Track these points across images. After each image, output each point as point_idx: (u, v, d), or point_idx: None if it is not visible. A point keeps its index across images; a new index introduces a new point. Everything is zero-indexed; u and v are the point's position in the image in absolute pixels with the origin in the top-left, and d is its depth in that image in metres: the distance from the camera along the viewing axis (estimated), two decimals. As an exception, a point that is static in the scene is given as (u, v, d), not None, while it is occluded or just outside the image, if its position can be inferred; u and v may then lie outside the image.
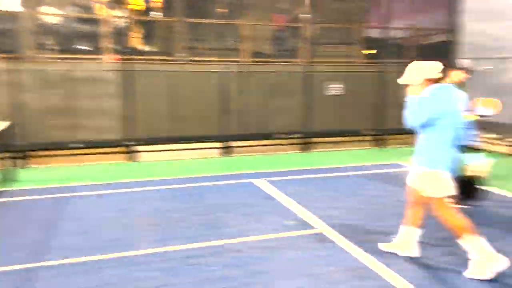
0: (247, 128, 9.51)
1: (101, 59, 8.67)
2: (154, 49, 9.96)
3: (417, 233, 3.90)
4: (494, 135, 9.25)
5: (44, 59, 8.35)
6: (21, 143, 7.80)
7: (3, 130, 6.65)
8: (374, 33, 11.65)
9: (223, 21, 9.17)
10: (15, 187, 6.40)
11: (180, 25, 9.59)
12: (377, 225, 4.76)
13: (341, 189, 6.31)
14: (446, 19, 10.76)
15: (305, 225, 4.78)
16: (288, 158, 8.97)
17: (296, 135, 9.62)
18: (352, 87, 10.01)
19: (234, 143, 9.20)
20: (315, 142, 9.78)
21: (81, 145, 8.13)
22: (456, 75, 5.30)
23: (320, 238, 4.41)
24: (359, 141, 10.04)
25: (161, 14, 10.15)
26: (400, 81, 3.75)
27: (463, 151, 4.32)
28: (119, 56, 8.60)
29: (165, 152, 8.69)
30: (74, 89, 8.14)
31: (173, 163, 8.34)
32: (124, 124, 8.46)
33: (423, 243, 4.04)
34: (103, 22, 8.70)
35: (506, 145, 9.03)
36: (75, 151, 8.13)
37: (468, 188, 5.24)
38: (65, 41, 9.00)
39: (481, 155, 5.24)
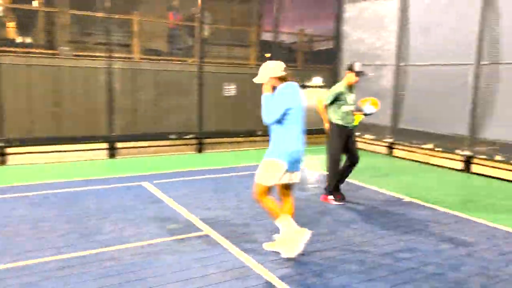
0: (138, 128, 9.11)
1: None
2: (31, 41, 9.04)
3: (295, 228, 4.00)
4: (372, 136, 10.07)
5: None
6: None
7: None
8: (270, 37, 11.95)
9: (111, 15, 8.63)
10: None
11: (64, 17, 8.88)
12: (261, 224, 4.81)
13: (230, 190, 6.30)
14: (332, 27, 11.44)
15: (191, 228, 4.66)
16: (181, 159, 8.77)
17: (190, 136, 9.46)
18: (247, 88, 10.15)
19: (123, 144, 8.74)
20: (210, 143, 9.72)
21: None
22: (349, 77, 5.63)
23: (205, 240, 4.32)
24: (255, 141, 10.23)
25: (43, 3, 9.27)
26: (254, 80, 3.99)
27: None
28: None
29: (43, 154, 7.92)
30: None
31: (53, 166, 7.64)
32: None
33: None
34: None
35: (383, 145, 9.88)
36: None
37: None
38: None
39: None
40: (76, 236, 4.33)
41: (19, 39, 8.80)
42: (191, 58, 10.01)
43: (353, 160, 5.75)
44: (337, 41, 11.25)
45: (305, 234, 3.88)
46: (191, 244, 4.22)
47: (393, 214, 5.36)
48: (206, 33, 10.46)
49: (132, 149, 8.82)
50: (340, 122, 5.60)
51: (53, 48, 8.72)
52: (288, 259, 3.90)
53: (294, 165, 3.88)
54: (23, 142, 7.81)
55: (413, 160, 9.09)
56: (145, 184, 6.43)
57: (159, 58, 10.01)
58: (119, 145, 8.66)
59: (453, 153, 8.34)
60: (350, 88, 5.70)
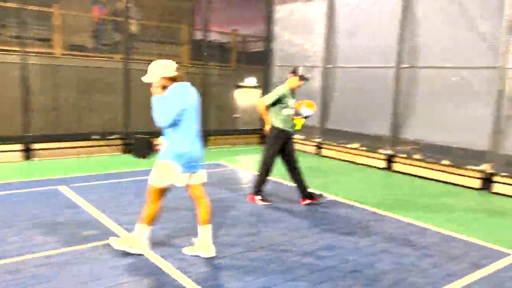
0: (59, 128, 8.55)
1: None
2: None
3: (201, 230, 3.93)
4: (302, 136, 10.24)
5: None
6: None
7: None
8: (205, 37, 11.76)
9: (26, 7, 8.00)
10: None
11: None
12: (182, 229, 4.65)
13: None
14: (264, 29, 11.51)
15: (108, 234, 4.39)
16: (103, 161, 8.33)
17: (114, 136, 9.02)
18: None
19: (41, 145, 8.14)
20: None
21: None
22: (292, 81, 5.59)
23: (121, 246, 4.08)
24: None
25: None
26: (143, 79, 3.78)
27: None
28: None
29: None
30: None
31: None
32: None
33: (216, 242, 4.09)
34: None
35: (312, 145, 10.08)
36: None
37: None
38: None
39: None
40: (-28, 248, 3.90)
41: None
42: (118, 54, 9.57)
43: (291, 163, 5.72)
44: (268, 42, 11.32)
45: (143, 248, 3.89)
46: (106, 251, 3.96)
47: (316, 213, 5.43)
48: (134, 28, 10.06)
49: (52, 151, 8.24)
50: (281, 126, 5.56)
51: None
52: (209, 264, 3.79)
53: (191, 166, 3.77)
54: None
55: (340, 160, 9.36)
56: (62, 188, 6.01)
57: (83, 54, 9.48)
58: (36, 146, 8.06)
59: (376, 152, 8.70)
60: (292, 92, 5.68)
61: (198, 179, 3.89)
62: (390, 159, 8.45)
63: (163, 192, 3.79)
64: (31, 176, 6.71)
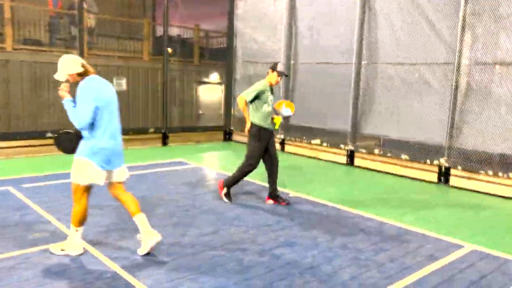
0: (10, 126, 8.15)
1: None
2: None
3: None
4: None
5: None
6: None
7: None
8: (171, 33, 11.50)
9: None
10: None
11: None
12: (136, 229, 4.49)
13: (106, 193, 5.83)
14: (226, 25, 11.39)
15: (58, 236, 4.19)
16: (57, 160, 7.94)
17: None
18: (138, 83, 9.64)
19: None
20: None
21: None
22: (272, 77, 5.48)
23: (72, 249, 3.89)
24: (146, 139, 9.73)
25: None
26: (55, 76, 3.60)
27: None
28: None
29: None
30: None
31: None
32: None
33: (174, 243, 3.97)
34: None
35: (275, 142, 10.05)
36: None
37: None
38: None
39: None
40: None
41: None
42: (75, 49, 9.21)
43: (273, 162, 5.62)
44: (231, 38, 11.21)
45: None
46: (55, 254, 3.77)
47: (277, 210, 5.40)
48: (92, 22, 9.71)
49: (3, 150, 7.84)
50: (262, 124, 5.44)
51: None
52: (163, 265, 3.67)
53: (110, 162, 3.66)
54: None
55: (303, 155, 9.39)
56: (11, 189, 5.71)
57: (38, 48, 9.06)
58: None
59: (338, 148, 8.77)
60: (271, 88, 5.60)
61: (119, 176, 3.79)
62: (351, 155, 8.54)
63: (86, 190, 3.68)
64: (-21, 177, 6.36)
